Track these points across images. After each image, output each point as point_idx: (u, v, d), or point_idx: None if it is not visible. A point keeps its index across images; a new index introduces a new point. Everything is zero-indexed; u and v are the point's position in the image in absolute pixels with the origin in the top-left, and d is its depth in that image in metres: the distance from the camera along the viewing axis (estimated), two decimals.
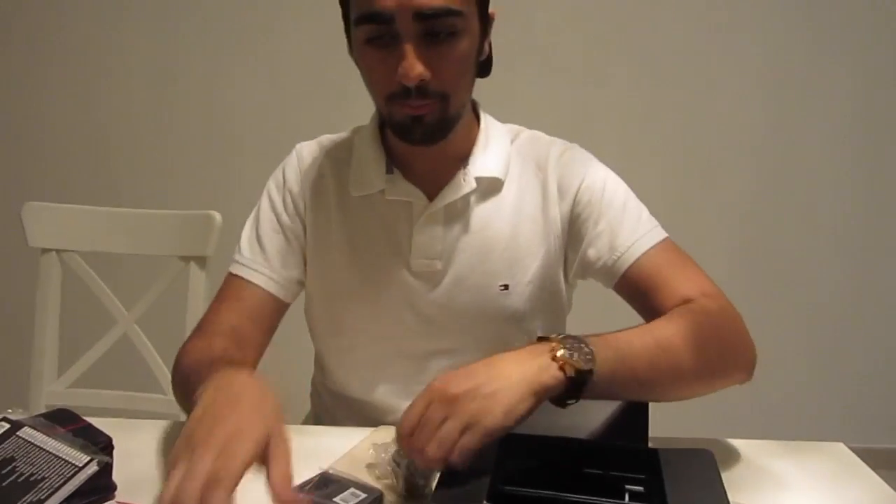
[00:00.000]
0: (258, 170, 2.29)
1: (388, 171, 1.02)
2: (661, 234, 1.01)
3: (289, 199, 1.07)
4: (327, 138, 1.12)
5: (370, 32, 0.89)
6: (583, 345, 0.78)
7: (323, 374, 1.14)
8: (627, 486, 0.73)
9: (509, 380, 0.74)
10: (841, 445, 0.98)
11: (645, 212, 1.03)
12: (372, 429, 0.95)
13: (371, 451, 0.84)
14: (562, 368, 0.76)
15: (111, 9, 2.31)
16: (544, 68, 2.23)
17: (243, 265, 1.05)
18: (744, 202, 2.36)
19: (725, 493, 0.70)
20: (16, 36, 2.33)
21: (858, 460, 0.94)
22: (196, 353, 0.94)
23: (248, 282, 1.03)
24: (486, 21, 0.96)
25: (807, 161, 2.36)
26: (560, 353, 0.76)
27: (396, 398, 1.05)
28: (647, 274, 0.98)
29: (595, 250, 1.01)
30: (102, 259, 1.42)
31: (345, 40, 0.98)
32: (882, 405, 2.45)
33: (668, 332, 0.88)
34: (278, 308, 1.05)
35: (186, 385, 0.86)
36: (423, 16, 0.86)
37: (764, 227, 2.35)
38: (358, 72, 0.96)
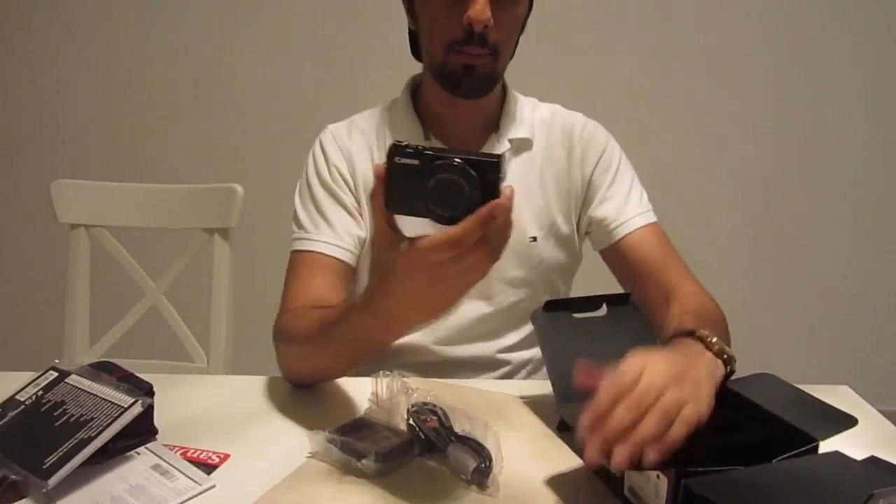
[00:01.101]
0: (277, 143, 2.33)
1: (425, 136, 1.10)
2: (654, 217, 1.13)
3: (336, 174, 1.11)
4: (357, 117, 1.17)
5: None
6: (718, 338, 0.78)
7: None
8: None
9: (700, 371, 0.72)
10: (846, 388, 1.01)
11: (645, 194, 1.15)
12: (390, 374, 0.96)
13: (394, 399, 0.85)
14: (726, 363, 0.76)
15: None
16: (555, 45, 2.26)
17: (314, 240, 1.08)
18: (752, 193, 2.39)
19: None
20: (37, 14, 2.37)
21: (863, 401, 0.98)
22: (286, 323, 0.99)
23: (323, 255, 1.07)
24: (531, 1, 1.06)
25: (814, 143, 2.38)
26: (717, 347, 0.76)
27: (422, 336, 1.12)
28: (639, 248, 1.10)
29: (602, 210, 1.13)
30: (129, 233, 1.46)
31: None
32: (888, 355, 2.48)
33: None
34: (350, 273, 1.10)
35: (285, 337, 0.97)
36: None
37: (771, 209, 2.37)
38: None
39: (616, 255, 1.12)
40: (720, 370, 0.75)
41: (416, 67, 1.14)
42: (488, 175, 0.66)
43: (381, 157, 1.10)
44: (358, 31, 2.29)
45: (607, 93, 2.31)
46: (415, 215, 0.68)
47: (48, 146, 2.43)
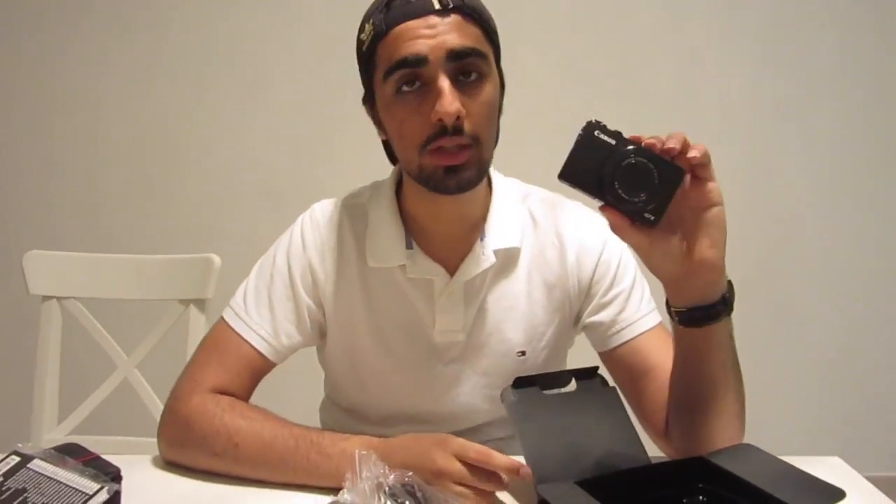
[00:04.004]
0: (255, 213, 2.33)
1: (408, 244, 1.02)
2: (657, 318, 1.05)
3: (307, 273, 1.04)
4: (341, 201, 1.09)
5: (402, 79, 0.91)
6: None
7: (342, 427, 1.15)
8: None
9: None
10: (837, 459, 0.99)
11: (647, 291, 1.07)
12: None
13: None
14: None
15: (105, 55, 2.36)
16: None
17: (246, 324, 1.03)
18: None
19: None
20: (8, 83, 2.38)
21: (856, 473, 0.96)
22: (198, 409, 0.97)
23: (247, 342, 1.02)
24: (502, 79, 0.99)
25: (799, 172, 2.41)
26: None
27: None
28: (641, 354, 1.02)
29: (600, 317, 1.06)
30: (102, 304, 1.43)
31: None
32: (881, 430, 2.45)
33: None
34: (268, 369, 1.05)
35: (188, 433, 0.95)
36: (455, 55, 0.89)
37: (753, 234, 2.37)
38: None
39: (614, 361, 1.05)
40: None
41: None
42: (674, 178, 0.73)
43: (359, 255, 1.04)
44: (340, 98, 2.30)
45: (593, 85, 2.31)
46: (585, 189, 0.74)
47: (19, 217, 2.41)
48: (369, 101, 1.00)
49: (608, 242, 1.07)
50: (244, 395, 1.02)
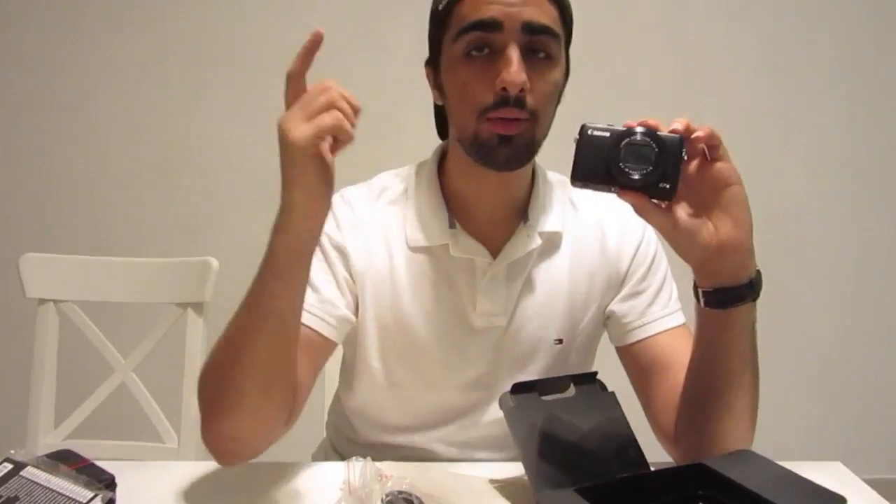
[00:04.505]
0: (253, 215, 2.31)
1: (451, 223, 1.01)
2: (683, 318, 1.05)
3: (340, 247, 1.02)
4: (375, 183, 1.08)
5: (473, 42, 0.91)
6: None
7: (351, 427, 1.13)
8: None
9: None
10: (838, 464, 0.99)
11: (675, 292, 1.07)
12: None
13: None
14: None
15: (101, 57, 2.35)
16: None
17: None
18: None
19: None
20: (11, 83, 2.37)
21: (857, 479, 0.95)
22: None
23: (303, 325, 0.96)
24: (568, 66, 0.99)
25: (804, 176, 2.40)
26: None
27: (438, 444, 1.07)
28: (663, 350, 1.01)
29: (627, 307, 1.05)
30: (99, 308, 1.43)
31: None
32: (882, 433, 2.45)
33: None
34: (329, 348, 1.01)
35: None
36: (529, 28, 0.90)
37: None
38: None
39: (632, 354, 1.04)
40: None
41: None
42: (674, 144, 0.77)
43: (399, 234, 1.03)
44: None
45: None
46: (599, 183, 0.78)
47: (16, 219, 2.40)
48: (432, 63, 1.01)
49: (647, 234, 1.07)
50: (310, 375, 0.97)
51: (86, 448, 1.36)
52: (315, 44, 0.83)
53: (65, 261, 1.43)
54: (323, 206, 0.83)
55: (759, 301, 0.85)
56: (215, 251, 1.42)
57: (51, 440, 1.39)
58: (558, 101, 0.99)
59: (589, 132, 0.78)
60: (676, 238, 0.81)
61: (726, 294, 0.83)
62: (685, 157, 0.78)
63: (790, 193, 2.39)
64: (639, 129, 0.77)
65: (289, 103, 0.81)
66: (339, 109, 0.78)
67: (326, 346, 1.00)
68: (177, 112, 2.36)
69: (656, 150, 0.76)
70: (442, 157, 1.06)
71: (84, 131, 2.37)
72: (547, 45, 0.92)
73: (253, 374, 0.84)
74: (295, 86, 0.82)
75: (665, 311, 1.04)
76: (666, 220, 0.80)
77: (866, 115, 2.40)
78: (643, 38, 2.35)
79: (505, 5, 0.90)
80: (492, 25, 0.90)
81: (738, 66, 2.36)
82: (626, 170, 0.77)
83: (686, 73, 2.36)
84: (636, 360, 1.04)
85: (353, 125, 0.79)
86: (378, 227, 1.04)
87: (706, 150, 0.80)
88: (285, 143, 0.79)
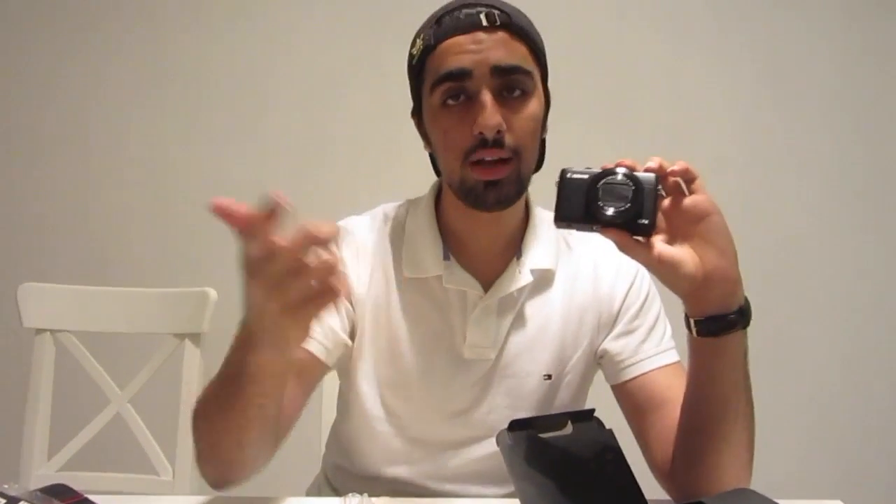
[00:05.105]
0: None
1: (445, 255, 1.04)
2: (677, 356, 1.05)
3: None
4: (378, 213, 1.11)
5: (447, 92, 0.94)
6: None
7: (348, 457, 1.13)
8: None
9: None
10: (839, 503, 0.98)
11: (669, 330, 1.08)
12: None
13: None
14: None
15: (98, 84, 2.35)
16: None
17: None
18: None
19: None
20: (6, 109, 2.38)
21: None
22: None
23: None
24: (547, 97, 1.01)
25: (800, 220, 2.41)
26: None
27: (430, 479, 1.06)
28: (659, 387, 1.02)
29: (620, 345, 1.06)
30: (96, 338, 1.42)
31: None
32: (882, 466, 2.42)
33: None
34: (321, 370, 1.02)
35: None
36: (499, 70, 0.93)
37: (748, 266, 2.37)
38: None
39: (626, 394, 1.04)
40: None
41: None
42: (647, 182, 0.78)
43: (395, 265, 1.05)
44: (336, 130, 2.32)
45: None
46: (580, 223, 0.80)
47: (14, 248, 2.39)
48: (417, 113, 1.04)
49: (640, 273, 1.08)
50: (296, 400, 0.97)
51: (79, 480, 1.37)
52: (279, 211, 0.68)
53: (62, 291, 1.43)
54: (301, 335, 0.78)
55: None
56: (213, 282, 1.42)
57: (44, 472, 1.37)
58: (544, 132, 1.01)
59: (568, 175, 0.81)
60: (662, 271, 0.82)
61: (717, 322, 0.84)
62: (662, 194, 0.80)
63: (786, 226, 2.40)
64: (618, 170, 0.79)
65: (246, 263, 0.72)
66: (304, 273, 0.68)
67: (319, 368, 1.01)
68: (174, 141, 2.37)
69: (632, 187, 0.78)
70: (440, 191, 1.08)
71: (81, 160, 2.37)
72: (520, 82, 0.95)
73: (242, 426, 0.85)
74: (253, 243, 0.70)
75: (658, 349, 1.04)
76: (649, 256, 0.80)
77: (864, 146, 2.41)
78: (638, 77, 2.37)
79: (472, 53, 0.93)
80: (462, 74, 0.93)
81: (734, 98, 2.38)
82: (604, 208, 0.79)
83: (680, 108, 2.37)
84: (631, 398, 1.04)
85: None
86: (377, 255, 1.07)
87: (683, 184, 0.81)
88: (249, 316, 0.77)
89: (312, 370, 1.00)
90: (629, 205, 0.78)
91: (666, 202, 0.82)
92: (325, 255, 0.68)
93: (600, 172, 0.80)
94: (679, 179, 0.81)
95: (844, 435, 2.45)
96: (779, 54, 2.36)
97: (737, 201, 2.33)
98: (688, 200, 0.81)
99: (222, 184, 2.38)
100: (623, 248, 0.80)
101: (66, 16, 2.35)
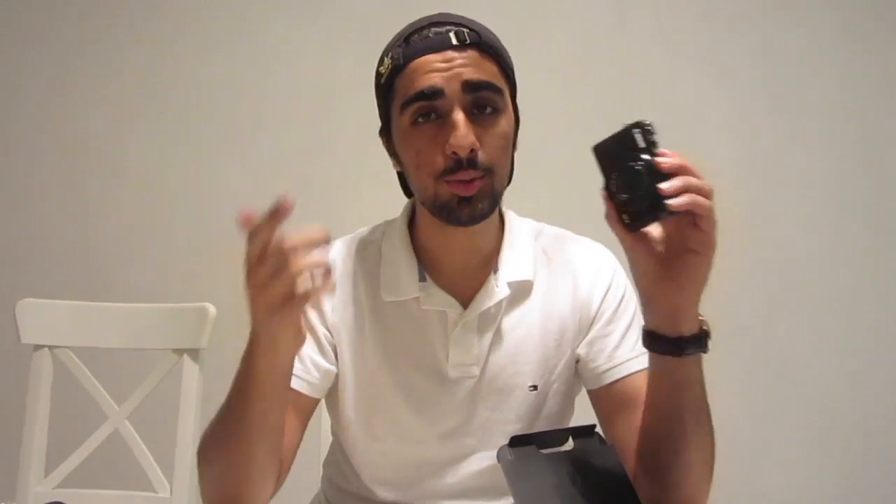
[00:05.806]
0: None
1: (421, 277, 1.03)
2: (646, 363, 1.04)
3: (317, 312, 1.04)
4: (354, 238, 1.11)
5: (419, 111, 0.93)
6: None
7: (344, 477, 1.12)
8: None
9: None
10: None
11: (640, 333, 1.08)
12: None
13: None
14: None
15: (95, 100, 2.36)
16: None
17: None
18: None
19: None
20: (4, 132, 2.39)
21: None
22: None
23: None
24: (517, 114, 1.02)
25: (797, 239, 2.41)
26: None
27: (423, 501, 1.05)
28: (632, 392, 1.01)
29: (595, 350, 1.05)
30: (95, 354, 1.42)
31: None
32: (885, 479, 2.41)
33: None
34: (313, 404, 1.04)
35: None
36: (470, 86, 0.92)
37: (747, 284, 2.37)
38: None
39: (603, 398, 1.04)
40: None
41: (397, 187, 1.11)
42: (655, 204, 0.77)
43: (371, 289, 1.05)
44: (333, 146, 2.32)
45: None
46: (600, 168, 0.82)
47: (12, 264, 2.39)
48: (385, 132, 1.03)
49: (616, 277, 1.08)
50: (292, 434, 1.00)
51: (76, 497, 1.37)
52: (282, 212, 0.79)
53: (61, 307, 1.43)
54: (298, 342, 0.84)
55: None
56: (212, 297, 1.42)
57: (42, 489, 1.36)
58: (514, 149, 1.01)
59: (633, 132, 0.81)
60: (630, 258, 0.85)
61: (657, 340, 0.86)
62: (664, 216, 0.79)
63: (786, 238, 2.40)
64: (654, 167, 0.78)
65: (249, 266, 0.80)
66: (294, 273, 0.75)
67: (311, 403, 1.03)
68: (174, 157, 2.37)
69: (641, 192, 0.78)
70: (413, 212, 1.08)
71: (80, 177, 2.38)
72: (491, 99, 0.94)
73: (247, 453, 0.89)
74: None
75: (632, 354, 1.03)
76: (626, 238, 0.83)
77: (865, 157, 2.41)
78: (636, 87, 2.37)
79: (443, 71, 0.92)
80: (434, 94, 0.92)
81: (732, 109, 2.38)
82: (613, 183, 0.80)
83: (678, 118, 2.37)
84: (603, 402, 1.04)
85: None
86: (353, 280, 1.06)
87: (694, 215, 0.79)
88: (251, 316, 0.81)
89: (305, 406, 1.02)
90: (626, 200, 0.79)
91: (671, 221, 0.81)
92: (308, 258, 0.73)
93: (643, 157, 0.79)
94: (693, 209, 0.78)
95: (847, 446, 2.44)
96: (778, 65, 2.36)
97: (735, 212, 2.33)
98: (692, 231, 0.80)
99: (221, 199, 2.39)
100: (607, 219, 0.82)
101: (64, 32, 2.37)
